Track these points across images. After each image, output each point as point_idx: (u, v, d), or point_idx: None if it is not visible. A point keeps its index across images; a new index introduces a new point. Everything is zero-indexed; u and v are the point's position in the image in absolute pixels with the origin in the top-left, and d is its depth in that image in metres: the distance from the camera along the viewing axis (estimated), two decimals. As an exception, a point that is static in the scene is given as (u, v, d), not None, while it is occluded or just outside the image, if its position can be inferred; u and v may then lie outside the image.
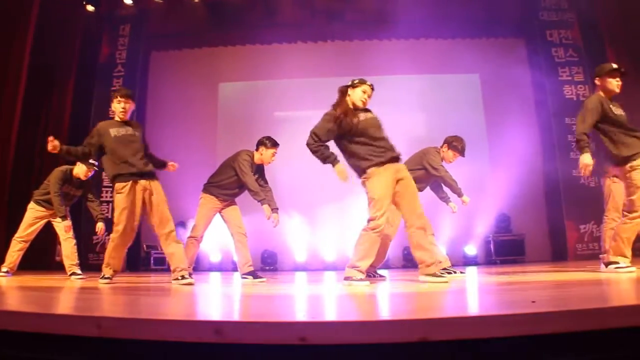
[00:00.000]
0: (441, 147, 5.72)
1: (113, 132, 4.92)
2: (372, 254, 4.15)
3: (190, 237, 5.69)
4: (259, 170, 5.71)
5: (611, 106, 4.51)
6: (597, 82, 4.68)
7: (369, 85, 4.40)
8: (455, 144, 5.64)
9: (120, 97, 5.01)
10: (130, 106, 5.08)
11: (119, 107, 5.00)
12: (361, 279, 4.06)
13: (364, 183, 4.18)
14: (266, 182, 5.76)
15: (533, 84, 10.26)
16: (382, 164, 4.12)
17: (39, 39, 8.99)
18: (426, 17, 9.88)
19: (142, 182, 4.87)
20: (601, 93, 4.61)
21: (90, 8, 10.14)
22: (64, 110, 9.72)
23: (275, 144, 5.69)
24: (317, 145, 4.17)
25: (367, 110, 4.44)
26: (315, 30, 10.82)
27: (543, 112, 9.98)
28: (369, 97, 4.39)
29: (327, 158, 4.19)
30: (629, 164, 4.37)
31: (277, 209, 5.56)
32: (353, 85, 4.39)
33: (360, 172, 4.19)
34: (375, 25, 10.31)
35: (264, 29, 10.78)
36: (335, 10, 10.51)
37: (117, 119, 5.08)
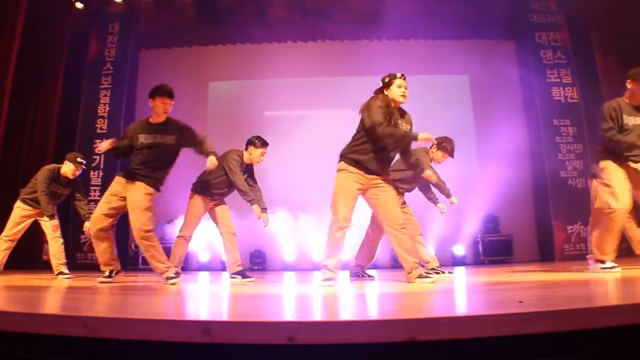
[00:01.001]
0: (430, 147, 5.72)
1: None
2: (336, 252, 4.14)
3: (179, 236, 5.66)
4: (248, 169, 5.70)
5: None
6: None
7: (401, 77, 4.26)
8: (445, 145, 5.64)
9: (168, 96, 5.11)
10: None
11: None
12: (327, 279, 4.05)
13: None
14: (255, 182, 5.75)
15: (522, 85, 10.33)
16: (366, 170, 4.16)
17: (27, 36, 8.92)
18: (416, 17, 9.91)
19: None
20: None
21: (79, 5, 10.05)
22: (51, 108, 9.64)
23: (264, 144, 5.68)
24: (390, 129, 4.12)
25: (403, 115, 4.38)
26: (305, 30, 10.81)
27: (531, 113, 10.04)
28: (406, 88, 4.26)
29: (405, 136, 4.21)
30: None
31: (266, 208, 5.55)
32: (386, 84, 4.29)
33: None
34: (365, 25, 10.32)
35: (254, 28, 10.76)
36: (326, 10, 10.50)
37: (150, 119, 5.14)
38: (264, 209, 5.48)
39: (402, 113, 4.37)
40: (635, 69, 4.64)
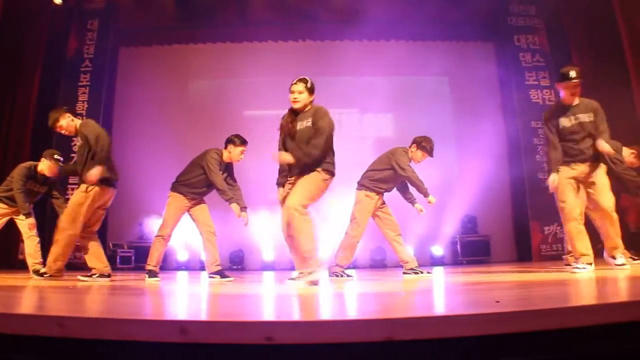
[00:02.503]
0: (410, 147, 5.74)
1: None
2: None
3: (157, 235, 5.61)
4: (227, 168, 5.68)
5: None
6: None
7: (293, 84, 4.46)
8: (424, 144, 5.66)
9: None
10: None
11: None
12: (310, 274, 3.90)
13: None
14: (235, 181, 5.73)
15: (501, 87, 10.45)
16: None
17: (4, 32, 8.77)
18: (396, 19, 9.98)
19: None
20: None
21: (57, 1, 9.92)
22: (28, 105, 9.51)
23: (244, 142, 5.65)
24: None
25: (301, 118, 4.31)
26: (286, 30, 10.81)
27: (510, 115, 10.16)
28: (297, 92, 4.38)
29: None
30: None
31: (246, 207, 5.52)
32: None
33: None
34: (346, 26, 10.34)
35: (235, 27, 10.74)
36: (307, 10, 10.50)
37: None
38: (243, 208, 5.45)
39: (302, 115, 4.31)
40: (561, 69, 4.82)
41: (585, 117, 4.68)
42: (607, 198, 4.77)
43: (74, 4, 10.20)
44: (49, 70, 9.78)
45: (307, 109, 4.27)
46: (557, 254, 8.52)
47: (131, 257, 9.42)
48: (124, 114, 10.37)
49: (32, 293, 3.55)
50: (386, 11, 9.68)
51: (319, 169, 4.02)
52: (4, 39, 8.81)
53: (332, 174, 4.12)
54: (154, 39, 10.94)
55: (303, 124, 4.18)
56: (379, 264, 9.50)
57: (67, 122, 5.43)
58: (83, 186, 5.12)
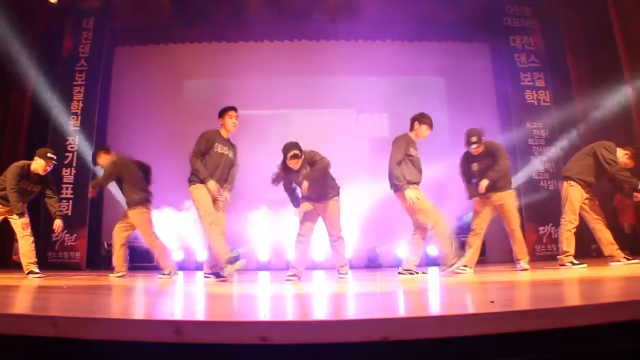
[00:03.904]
0: (411, 129, 5.76)
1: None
2: None
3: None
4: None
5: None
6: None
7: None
8: (425, 119, 5.74)
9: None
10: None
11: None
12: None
13: None
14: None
15: (496, 88, 10.46)
16: None
17: (-2, 31, 8.73)
18: (391, 19, 9.96)
19: None
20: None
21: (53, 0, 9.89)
22: (23, 104, 9.46)
23: (232, 108, 5.87)
24: None
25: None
26: (282, 30, 10.79)
27: (505, 116, 10.17)
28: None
29: None
30: None
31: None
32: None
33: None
34: (342, 26, 10.34)
35: (231, 27, 10.71)
36: (303, 9, 10.49)
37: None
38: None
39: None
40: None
41: None
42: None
43: (69, 3, 10.15)
44: (44, 70, 9.73)
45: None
46: (551, 255, 8.54)
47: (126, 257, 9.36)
48: (119, 113, 10.34)
49: (26, 293, 3.53)
50: (382, 11, 9.68)
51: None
52: (-1, 38, 8.76)
53: None
54: (150, 38, 10.91)
55: None
56: (374, 265, 9.51)
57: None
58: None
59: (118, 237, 6.33)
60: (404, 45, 10.50)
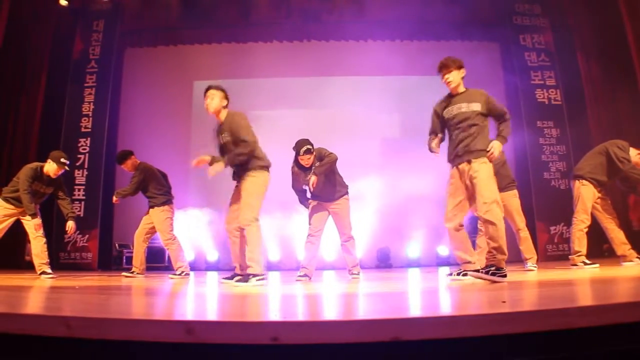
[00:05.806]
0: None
1: None
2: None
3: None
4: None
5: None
6: None
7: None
8: None
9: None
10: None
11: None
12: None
13: None
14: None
15: (506, 87, 10.41)
16: None
17: (10, 34, 8.80)
18: (401, 19, 9.96)
19: None
20: None
21: (63, 2, 9.97)
22: (35, 105, 9.54)
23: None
24: None
25: None
26: (291, 30, 10.82)
27: (515, 115, 10.11)
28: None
29: None
30: None
31: None
32: None
33: None
34: (351, 26, 10.36)
35: (240, 28, 10.75)
36: (312, 10, 10.52)
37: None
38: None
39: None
40: None
41: None
42: None
43: (79, 6, 10.24)
44: (56, 71, 9.81)
45: None
46: (563, 254, 8.50)
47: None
48: (129, 114, 10.41)
49: (38, 293, 3.56)
50: (392, 11, 9.68)
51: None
52: (10, 41, 8.83)
53: None
54: (159, 40, 10.98)
55: None
56: (384, 265, 9.50)
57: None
58: None
59: (140, 237, 6.57)
60: (414, 44, 10.50)
